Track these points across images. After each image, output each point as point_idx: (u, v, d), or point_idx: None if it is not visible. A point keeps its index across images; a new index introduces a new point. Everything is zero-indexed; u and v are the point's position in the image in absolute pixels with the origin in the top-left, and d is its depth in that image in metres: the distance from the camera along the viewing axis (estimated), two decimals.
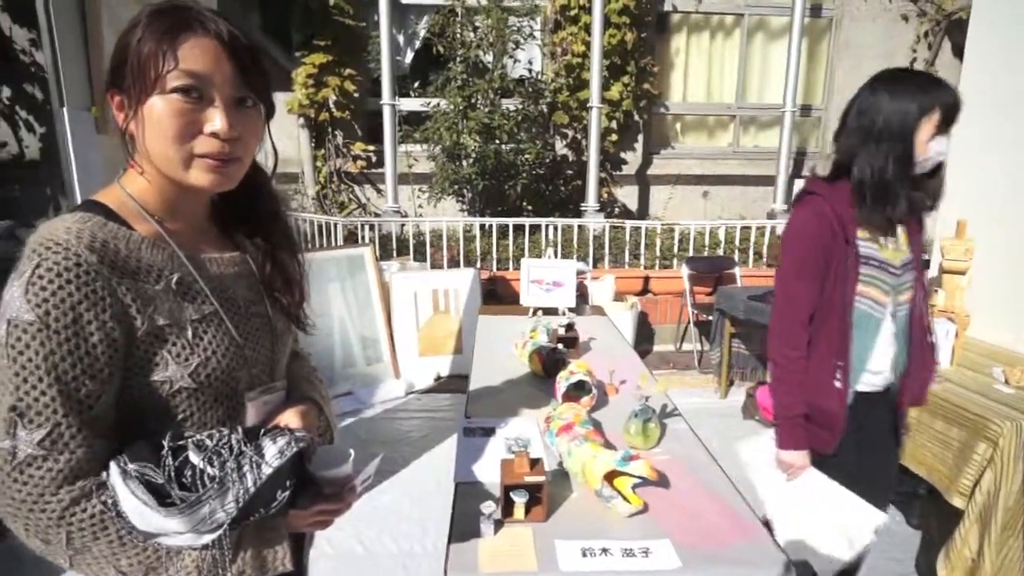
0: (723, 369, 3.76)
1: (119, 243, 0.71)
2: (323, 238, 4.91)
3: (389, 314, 4.03)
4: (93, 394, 0.67)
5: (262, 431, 0.75)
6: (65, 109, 1.29)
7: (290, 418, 0.85)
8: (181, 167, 0.73)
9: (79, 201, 1.51)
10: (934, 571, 1.87)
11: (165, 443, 0.67)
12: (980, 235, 2.32)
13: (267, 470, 0.69)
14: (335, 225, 4.87)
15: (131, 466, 0.65)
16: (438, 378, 4.01)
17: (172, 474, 0.66)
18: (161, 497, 0.65)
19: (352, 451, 0.85)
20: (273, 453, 0.71)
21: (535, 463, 1.25)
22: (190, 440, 0.69)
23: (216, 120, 0.72)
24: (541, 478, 1.21)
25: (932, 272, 2.82)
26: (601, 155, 5.45)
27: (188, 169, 0.73)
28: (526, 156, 5.20)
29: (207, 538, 0.67)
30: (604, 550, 1.12)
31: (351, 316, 3.91)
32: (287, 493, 0.72)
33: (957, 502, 1.79)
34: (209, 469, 0.67)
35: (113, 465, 0.66)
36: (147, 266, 0.73)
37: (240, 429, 0.72)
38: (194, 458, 0.67)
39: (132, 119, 0.72)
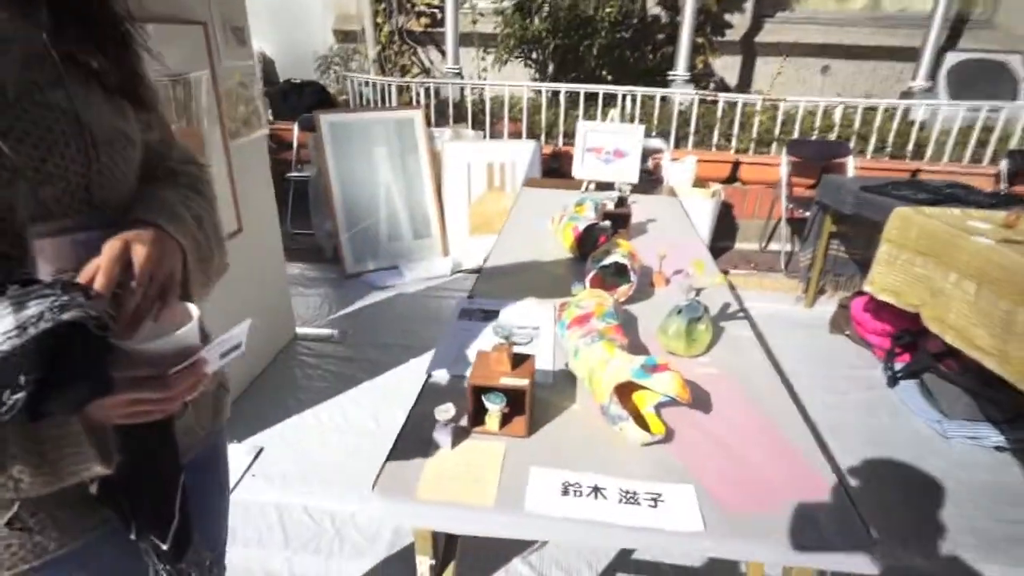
0: (814, 274, 3.19)
1: None
2: (382, 101, 4.53)
3: (439, 186, 3.69)
4: None
5: (30, 288, 0.45)
6: None
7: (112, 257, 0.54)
8: None
9: None
10: None
11: None
12: None
13: None
14: (388, 86, 4.45)
15: None
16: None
17: None
18: None
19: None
20: (7, 327, 0.43)
21: (522, 360, 0.91)
22: None
23: None
24: (524, 382, 0.87)
25: None
26: (700, 15, 4.54)
27: None
28: (608, 10, 4.40)
29: None
30: (596, 489, 0.79)
31: (398, 185, 3.62)
32: (20, 395, 0.44)
33: None
34: None
35: None
36: None
37: None
38: None
39: None
